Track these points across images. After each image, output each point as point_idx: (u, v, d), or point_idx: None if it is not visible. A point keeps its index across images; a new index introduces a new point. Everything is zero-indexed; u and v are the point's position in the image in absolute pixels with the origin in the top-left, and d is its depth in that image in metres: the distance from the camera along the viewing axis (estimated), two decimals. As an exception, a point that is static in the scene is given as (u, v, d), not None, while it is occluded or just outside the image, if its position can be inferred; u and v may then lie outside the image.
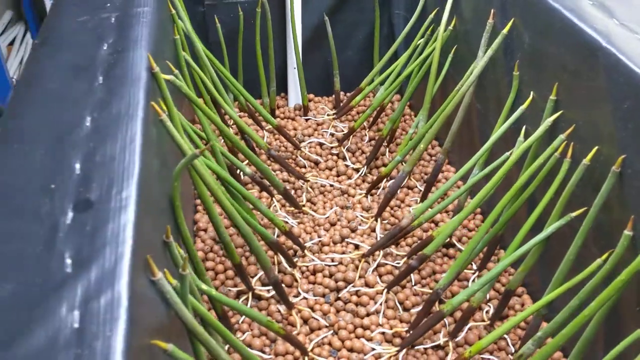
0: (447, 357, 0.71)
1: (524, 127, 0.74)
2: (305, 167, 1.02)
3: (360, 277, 0.80)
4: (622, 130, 0.57)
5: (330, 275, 0.80)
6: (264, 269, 0.70)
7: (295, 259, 0.82)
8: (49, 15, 0.65)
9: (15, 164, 0.45)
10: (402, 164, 0.98)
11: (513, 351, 0.73)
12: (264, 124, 1.06)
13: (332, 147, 1.05)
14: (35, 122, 0.49)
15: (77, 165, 0.44)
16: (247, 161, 0.98)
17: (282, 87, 1.18)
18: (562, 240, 0.67)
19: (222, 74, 0.92)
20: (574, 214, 0.63)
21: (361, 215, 0.91)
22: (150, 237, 0.44)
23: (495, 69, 0.81)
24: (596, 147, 0.61)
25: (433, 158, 1.03)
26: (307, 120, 1.13)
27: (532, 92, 0.73)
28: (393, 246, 0.84)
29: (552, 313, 0.66)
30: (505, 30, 0.76)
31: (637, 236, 0.56)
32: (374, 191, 0.96)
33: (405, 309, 0.77)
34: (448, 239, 0.85)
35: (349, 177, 1.00)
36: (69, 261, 0.36)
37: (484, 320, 0.76)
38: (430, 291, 0.79)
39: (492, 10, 0.79)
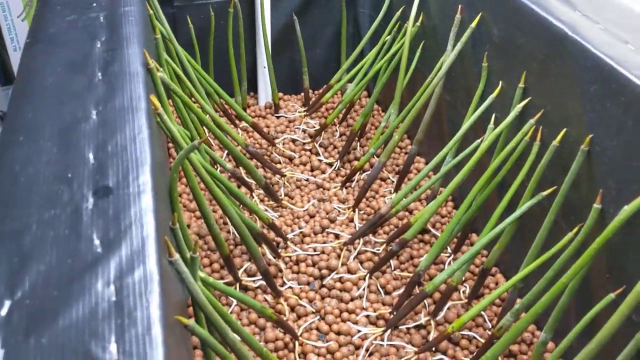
0: (430, 335, 0.75)
1: (493, 115, 0.78)
2: (280, 162, 1.04)
3: (342, 264, 0.83)
4: (590, 111, 0.62)
5: (314, 264, 0.83)
6: (254, 258, 0.73)
7: (279, 250, 0.84)
8: (36, 15, 0.66)
9: (27, 155, 0.46)
10: (375, 157, 1.02)
11: (490, 327, 0.77)
12: (237, 122, 1.08)
13: (305, 143, 1.08)
14: (40, 116, 0.50)
15: (91, 155, 0.46)
16: (224, 157, 1.00)
17: (252, 87, 1.20)
18: (531, 220, 0.72)
19: (199, 73, 0.94)
20: (545, 193, 0.68)
21: (338, 207, 0.94)
22: (163, 223, 0.46)
23: (463, 61, 0.85)
24: (565, 129, 0.66)
25: (403, 150, 1.07)
26: (278, 117, 1.15)
27: (500, 82, 0.77)
28: (371, 234, 0.88)
29: (526, 289, 0.70)
30: (473, 24, 0.80)
31: (605, 209, 0.61)
32: (348, 184, 0.99)
33: (387, 293, 0.80)
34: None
35: (323, 172, 1.03)
36: (97, 242, 0.38)
37: (461, 299, 0.80)
38: (409, 275, 0.83)
39: (459, 6, 0.83)
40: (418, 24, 0.95)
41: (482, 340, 0.74)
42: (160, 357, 0.31)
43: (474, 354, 0.72)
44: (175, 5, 1.08)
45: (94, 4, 0.68)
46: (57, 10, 0.66)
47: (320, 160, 1.05)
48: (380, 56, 1.02)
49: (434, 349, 0.73)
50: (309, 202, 0.95)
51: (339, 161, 1.03)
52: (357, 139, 1.07)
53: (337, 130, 1.11)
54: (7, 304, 0.34)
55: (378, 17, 1.06)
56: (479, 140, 0.79)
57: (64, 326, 0.33)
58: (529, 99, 0.72)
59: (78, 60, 0.58)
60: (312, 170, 1.03)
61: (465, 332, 0.76)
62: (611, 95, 0.60)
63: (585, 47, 0.63)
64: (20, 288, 0.35)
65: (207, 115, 0.81)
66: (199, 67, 0.95)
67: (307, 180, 1.00)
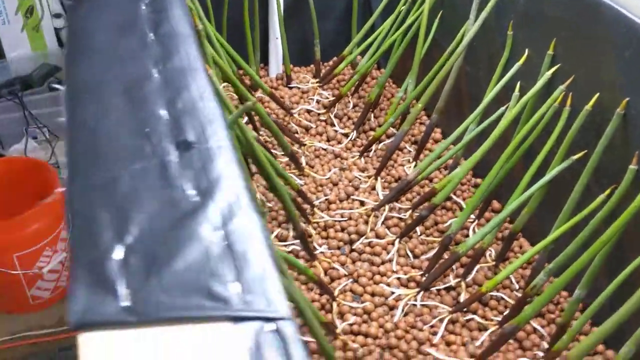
0: (460, 297, 0.77)
1: (518, 84, 0.80)
2: (297, 132, 1.05)
3: (370, 229, 0.84)
4: (624, 76, 0.64)
5: (342, 230, 0.84)
6: (293, 221, 0.74)
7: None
8: (75, -23, 0.65)
9: (97, 112, 0.46)
10: (391, 128, 1.03)
11: (517, 287, 0.79)
12: (252, 92, 1.09)
13: (320, 114, 1.09)
14: (102, 75, 0.50)
15: (163, 112, 0.46)
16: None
17: (262, 58, 1.19)
18: (560, 186, 0.73)
19: (220, 43, 0.94)
20: (576, 156, 0.70)
21: (359, 175, 0.95)
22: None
23: (486, 31, 0.86)
24: (597, 94, 0.68)
25: (418, 121, 1.08)
26: (290, 88, 1.15)
27: (527, 50, 0.79)
28: (395, 201, 0.89)
29: (556, 251, 0.72)
30: (499, -7, 0.82)
31: (641, 172, 0.63)
32: (366, 153, 1.00)
33: (416, 257, 0.82)
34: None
35: (339, 142, 1.04)
36: (192, 192, 0.39)
37: (487, 262, 0.82)
38: (435, 239, 0.84)
39: (484, -25, 0.84)
40: (436, -6, 0.96)
41: (511, 301, 0.76)
42: (282, 297, 0.32)
43: (505, 313, 0.74)
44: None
45: (131, -33, 0.68)
46: (97, -27, 0.65)
47: (336, 131, 1.06)
48: (395, 27, 1.03)
49: (465, 309, 0.75)
50: (329, 170, 0.96)
51: (354, 131, 1.04)
52: (371, 109, 1.08)
53: (350, 102, 1.12)
54: (122, 248, 0.35)
55: (392, -12, 1.07)
56: (503, 108, 0.81)
57: (181, 267, 0.33)
58: (558, 65, 0.74)
59: (127, 20, 0.58)
60: (328, 140, 1.04)
61: (494, 293, 0.78)
62: (648, 59, 0.62)
63: (619, 12, 0.65)
64: (128, 234, 0.36)
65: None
66: (219, 36, 0.94)
67: (325, 149, 1.01)
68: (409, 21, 1.01)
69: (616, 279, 0.62)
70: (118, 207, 0.38)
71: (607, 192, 0.66)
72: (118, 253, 0.34)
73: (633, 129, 0.64)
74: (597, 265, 0.66)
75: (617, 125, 0.65)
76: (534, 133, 0.76)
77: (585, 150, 0.70)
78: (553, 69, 0.74)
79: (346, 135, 1.05)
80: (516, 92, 0.80)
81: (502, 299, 0.77)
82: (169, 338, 0.32)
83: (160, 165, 0.41)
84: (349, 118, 1.09)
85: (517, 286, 0.79)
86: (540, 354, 0.72)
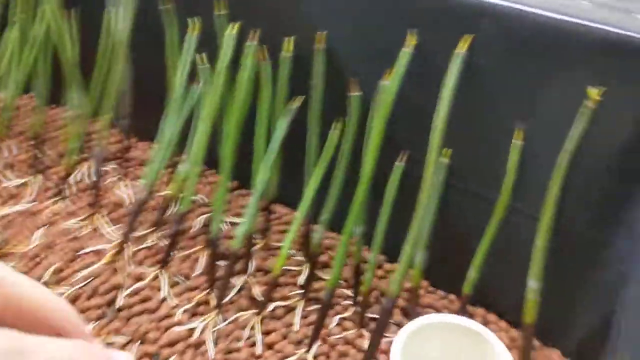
0: (252, 291, 0.71)
1: (203, 56, 0.72)
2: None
3: (127, 276, 0.71)
4: (315, 10, 0.62)
5: (94, 293, 0.70)
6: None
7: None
8: None
9: None
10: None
11: (299, 256, 0.76)
12: None
13: (-23, 175, 0.87)
14: None
15: None
16: None
17: None
18: (293, 139, 0.70)
19: None
20: (295, 105, 0.67)
21: (71, 225, 0.79)
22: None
23: (139, 12, 0.76)
24: (291, 37, 0.65)
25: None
26: None
27: (195, 20, 0.72)
28: (133, 232, 0.77)
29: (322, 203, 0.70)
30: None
31: (363, 97, 0.63)
32: (62, 195, 0.84)
33: (188, 278, 0.72)
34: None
35: (23, 197, 0.85)
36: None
37: (258, 244, 0.77)
38: (200, 247, 0.76)
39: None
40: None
41: (300, 268, 0.73)
42: None
43: (304, 281, 0.70)
44: None
45: None
46: None
47: (5, 187, 0.86)
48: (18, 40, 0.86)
49: (267, 302, 0.70)
50: (32, 235, 0.78)
51: (35, 175, 0.86)
52: (38, 145, 0.90)
53: (11, 145, 0.92)
54: None
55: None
56: (195, 87, 0.73)
57: None
58: (238, 23, 0.69)
59: None
60: (8, 201, 0.84)
61: (286, 268, 0.73)
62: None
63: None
64: None
65: None
66: None
67: (9, 214, 0.81)
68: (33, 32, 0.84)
69: (383, 205, 0.63)
70: None
71: (339, 125, 0.65)
72: None
73: (338, 59, 0.63)
74: (361, 198, 0.65)
75: (322, 62, 0.64)
76: (245, 99, 0.70)
77: (304, 95, 0.67)
78: (234, 29, 0.69)
79: (26, 183, 0.87)
80: (206, 64, 0.72)
81: (290, 270, 0.73)
82: None
83: None
84: (21, 161, 0.90)
85: (295, 253, 0.76)
86: (353, 308, 0.70)
